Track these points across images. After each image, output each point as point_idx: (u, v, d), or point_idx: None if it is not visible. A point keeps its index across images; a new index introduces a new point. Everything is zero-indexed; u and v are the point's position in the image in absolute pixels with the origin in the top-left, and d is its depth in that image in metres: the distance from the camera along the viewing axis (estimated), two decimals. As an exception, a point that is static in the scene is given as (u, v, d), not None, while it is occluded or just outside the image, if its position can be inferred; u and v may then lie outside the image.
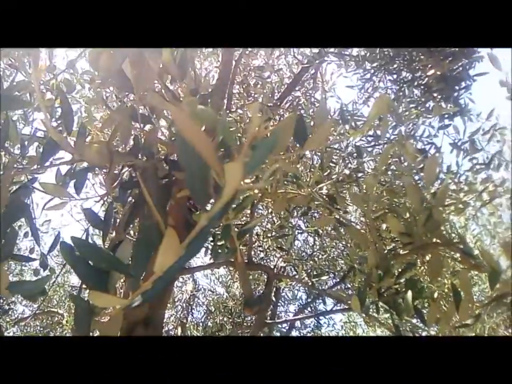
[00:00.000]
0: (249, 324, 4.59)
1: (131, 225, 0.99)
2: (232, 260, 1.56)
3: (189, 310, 5.08)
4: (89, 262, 0.69)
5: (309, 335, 5.08)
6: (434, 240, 1.43)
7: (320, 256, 4.44)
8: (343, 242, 4.31)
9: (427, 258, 1.63)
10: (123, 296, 0.62)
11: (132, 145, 1.07)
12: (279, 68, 3.43)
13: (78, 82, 2.22)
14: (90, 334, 0.74)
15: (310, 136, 0.94)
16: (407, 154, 1.48)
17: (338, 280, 4.27)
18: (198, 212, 1.42)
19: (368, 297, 1.41)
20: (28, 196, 1.25)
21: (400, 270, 1.46)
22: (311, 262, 4.38)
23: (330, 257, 4.42)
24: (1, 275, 0.77)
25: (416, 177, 2.03)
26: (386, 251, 1.49)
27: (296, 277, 3.33)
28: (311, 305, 4.38)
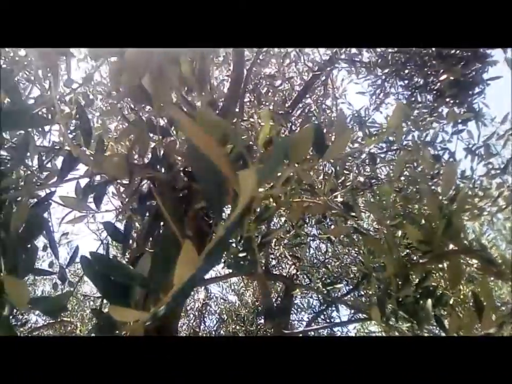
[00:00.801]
0: (262, 332, 4.56)
1: (151, 238, 1.00)
2: (253, 271, 1.55)
3: (201, 319, 5.07)
4: (111, 277, 0.69)
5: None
6: (453, 247, 1.41)
7: (333, 263, 4.41)
8: (356, 249, 4.29)
9: (445, 265, 1.60)
10: (144, 309, 0.61)
11: (150, 157, 1.07)
12: (289, 76, 3.44)
13: (92, 93, 2.24)
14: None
15: (330, 144, 0.94)
16: (424, 161, 1.46)
17: (351, 287, 4.24)
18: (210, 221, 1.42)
19: (387, 307, 1.40)
20: (46, 210, 1.26)
21: (419, 278, 1.44)
22: (323, 269, 4.36)
23: (343, 264, 4.39)
24: (22, 291, 0.77)
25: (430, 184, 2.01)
26: (404, 259, 1.47)
27: (311, 285, 3.31)
28: (325, 313, 4.35)
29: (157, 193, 0.96)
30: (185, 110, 1.03)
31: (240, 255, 1.09)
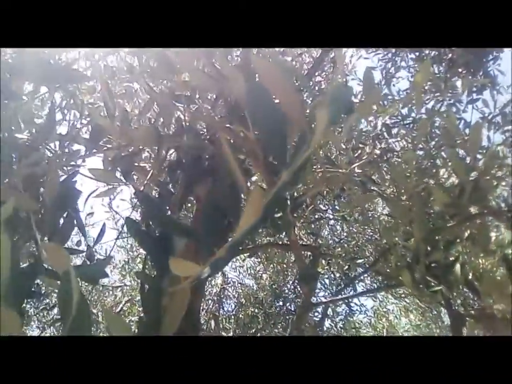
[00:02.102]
0: (281, 314, 4.58)
1: (184, 205, 0.99)
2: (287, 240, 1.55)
3: (220, 304, 5.11)
4: (155, 233, 0.69)
5: (340, 323, 5.06)
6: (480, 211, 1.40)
7: (348, 243, 4.41)
8: (371, 228, 4.27)
9: (469, 232, 1.59)
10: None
11: (176, 127, 1.06)
12: (298, 53, 3.40)
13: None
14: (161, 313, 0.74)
15: (359, 103, 0.93)
16: (450, 123, 1.44)
17: (368, 266, 4.24)
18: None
19: (417, 271, 1.39)
20: (74, 186, 1.26)
21: (447, 242, 1.42)
22: (339, 248, 4.35)
23: (359, 243, 4.38)
24: (62, 256, 0.77)
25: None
26: (431, 224, 1.46)
27: (333, 260, 3.31)
28: (343, 292, 4.36)
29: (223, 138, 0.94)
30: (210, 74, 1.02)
31: (277, 215, 1.08)
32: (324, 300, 4.51)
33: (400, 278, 1.36)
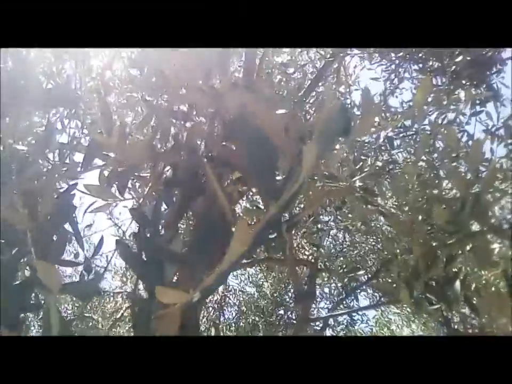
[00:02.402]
0: (282, 323, 4.56)
1: (179, 223, 0.99)
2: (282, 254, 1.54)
3: (221, 311, 5.09)
4: (145, 258, 0.69)
5: (342, 333, 5.03)
6: (481, 227, 1.39)
7: (350, 253, 4.39)
8: (374, 238, 4.25)
9: (471, 246, 1.57)
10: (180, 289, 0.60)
11: (173, 143, 1.06)
12: (302, 64, 3.41)
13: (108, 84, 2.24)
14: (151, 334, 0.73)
15: (358, 121, 0.92)
16: (450, 139, 1.44)
17: (370, 276, 4.21)
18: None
19: (416, 288, 1.37)
20: (71, 201, 1.26)
21: (446, 259, 1.41)
22: (341, 258, 4.33)
23: (361, 253, 4.36)
24: (54, 275, 0.76)
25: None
26: (431, 240, 1.44)
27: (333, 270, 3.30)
28: (344, 302, 4.33)
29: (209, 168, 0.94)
30: (206, 93, 1.01)
31: (271, 236, 1.07)
32: (323, 310, 4.48)
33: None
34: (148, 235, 0.69)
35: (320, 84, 3.61)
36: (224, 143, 1.00)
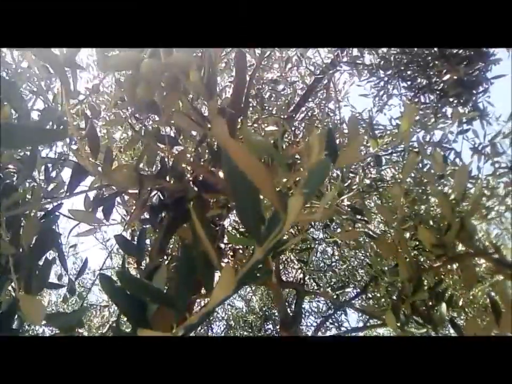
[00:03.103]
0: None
1: (165, 250, 0.98)
2: (266, 281, 1.54)
3: (209, 325, 5.05)
4: (128, 293, 0.68)
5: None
6: (466, 250, 1.39)
7: (339, 267, 4.39)
8: (362, 252, 4.26)
9: (454, 267, 1.58)
10: (163, 327, 0.60)
11: (159, 167, 1.05)
12: (292, 80, 3.43)
13: (95, 104, 2.24)
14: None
15: (344, 150, 0.92)
16: (435, 162, 1.45)
17: (359, 290, 4.21)
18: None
19: (401, 311, 1.38)
20: (55, 222, 1.24)
21: (433, 282, 1.41)
22: (330, 272, 4.33)
23: (350, 267, 4.36)
24: (37, 309, 0.75)
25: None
26: (417, 262, 1.45)
27: (321, 289, 3.29)
28: (333, 316, 4.32)
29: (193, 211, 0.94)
30: (193, 118, 1.02)
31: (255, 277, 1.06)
32: (312, 324, 4.47)
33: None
34: (132, 268, 0.68)
35: (310, 99, 3.64)
36: (211, 169, 1.00)
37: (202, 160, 1.08)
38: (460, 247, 1.57)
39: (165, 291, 0.70)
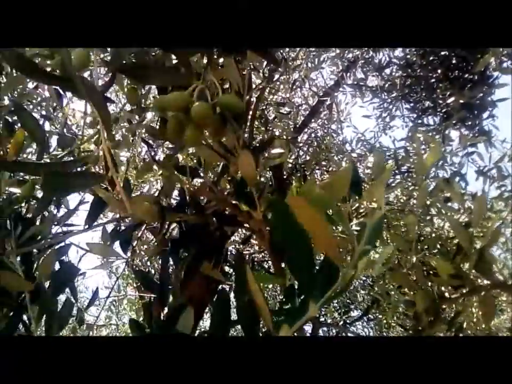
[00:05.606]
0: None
1: (187, 288, 0.94)
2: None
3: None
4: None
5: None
6: (486, 281, 1.37)
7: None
8: (364, 273, 4.22)
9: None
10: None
11: (179, 199, 1.03)
12: (295, 101, 3.43)
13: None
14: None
15: (370, 186, 0.91)
16: (454, 194, 1.43)
17: (361, 312, 4.17)
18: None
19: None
20: (66, 252, 1.21)
21: (452, 314, 1.39)
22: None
23: (351, 288, 4.31)
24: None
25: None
26: (434, 294, 1.42)
27: (329, 321, 3.25)
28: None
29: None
30: (215, 149, 0.99)
31: (285, 306, 1.03)
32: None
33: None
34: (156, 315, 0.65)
35: (313, 120, 3.64)
36: (234, 202, 0.98)
37: (226, 192, 1.06)
38: (473, 275, 1.54)
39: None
